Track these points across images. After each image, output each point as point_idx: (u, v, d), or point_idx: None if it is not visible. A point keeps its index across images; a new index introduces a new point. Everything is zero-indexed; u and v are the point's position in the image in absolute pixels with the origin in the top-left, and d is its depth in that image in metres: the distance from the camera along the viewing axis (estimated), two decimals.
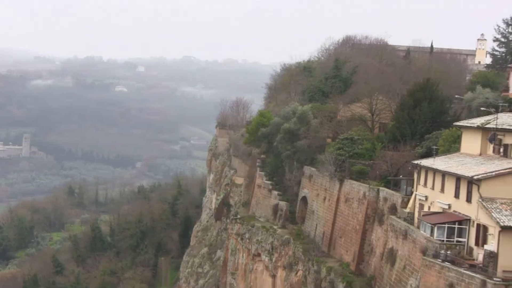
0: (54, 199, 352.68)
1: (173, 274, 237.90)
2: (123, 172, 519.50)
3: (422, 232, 76.63)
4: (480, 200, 70.77)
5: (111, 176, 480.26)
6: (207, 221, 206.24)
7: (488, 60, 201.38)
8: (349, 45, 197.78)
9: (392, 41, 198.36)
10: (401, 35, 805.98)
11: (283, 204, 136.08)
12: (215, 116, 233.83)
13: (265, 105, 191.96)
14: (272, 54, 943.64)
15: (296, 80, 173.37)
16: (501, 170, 72.36)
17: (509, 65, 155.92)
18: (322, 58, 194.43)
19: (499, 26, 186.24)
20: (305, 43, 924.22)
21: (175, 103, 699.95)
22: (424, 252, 73.44)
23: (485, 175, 71.70)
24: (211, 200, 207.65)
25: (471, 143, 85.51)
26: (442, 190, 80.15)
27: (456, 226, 73.56)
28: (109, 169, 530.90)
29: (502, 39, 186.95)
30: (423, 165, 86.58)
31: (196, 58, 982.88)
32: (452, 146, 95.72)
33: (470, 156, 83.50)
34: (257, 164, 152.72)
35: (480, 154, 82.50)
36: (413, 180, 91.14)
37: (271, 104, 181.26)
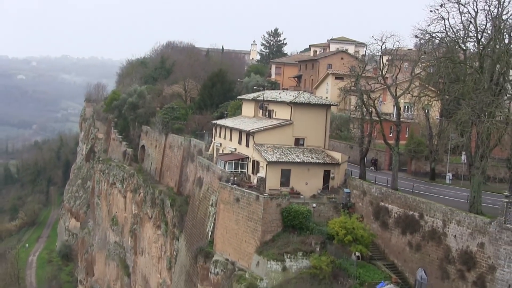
0: None
1: (59, 198, 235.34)
2: (24, 132, 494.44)
3: (218, 166, 74.93)
4: (254, 145, 69.77)
5: (16, 134, 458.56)
6: (80, 163, 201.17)
7: (258, 57, 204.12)
8: (170, 47, 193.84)
9: (197, 45, 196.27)
10: (203, 40, 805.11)
11: (129, 150, 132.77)
12: (84, 94, 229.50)
13: (116, 87, 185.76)
14: (120, 52, 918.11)
15: (136, 70, 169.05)
16: (267, 126, 71.69)
17: (271, 60, 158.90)
18: (153, 56, 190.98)
19: (264, 36, 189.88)
20: (141, 45, 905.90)
21: (58, 86, 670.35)
22: (220, 179, 71.68)
23: (257, 129, 70.79)
24: (82, 149, 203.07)
25: (248, 109, 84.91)
26: (231, 139, 78.76)
27: (240, 162, 72.42)
28: (14, 129, 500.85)
29: (266, 44, 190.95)
30: (218, 124, 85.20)
31: (70, 56, 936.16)
32: (236, 111, 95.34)
33: (248, 118, 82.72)
34: (112, 125, 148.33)
35: (254, 116, 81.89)
36: (212, 133, 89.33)
37: (120, 86, 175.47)
